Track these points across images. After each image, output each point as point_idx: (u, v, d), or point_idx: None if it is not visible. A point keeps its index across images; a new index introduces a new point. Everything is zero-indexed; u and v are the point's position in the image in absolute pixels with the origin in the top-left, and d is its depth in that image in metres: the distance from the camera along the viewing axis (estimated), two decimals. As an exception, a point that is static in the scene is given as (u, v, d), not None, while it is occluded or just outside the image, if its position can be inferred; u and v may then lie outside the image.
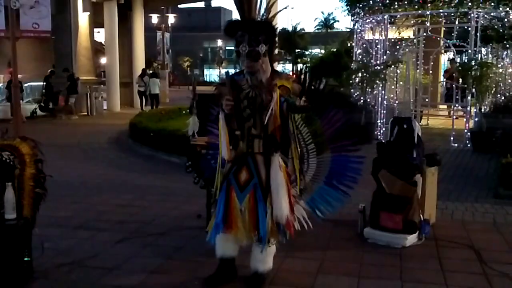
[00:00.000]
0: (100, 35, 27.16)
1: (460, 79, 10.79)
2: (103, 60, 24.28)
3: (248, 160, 3.37)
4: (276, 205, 3.28)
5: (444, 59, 18.61)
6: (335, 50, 21.19)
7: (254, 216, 3.36)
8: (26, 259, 3.69)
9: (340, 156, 3.79)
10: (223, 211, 3.38)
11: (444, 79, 15.81)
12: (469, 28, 10.96)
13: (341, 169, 3.78)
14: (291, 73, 4.01)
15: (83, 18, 19.48)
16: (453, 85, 12.06)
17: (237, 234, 3.41)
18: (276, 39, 3.40)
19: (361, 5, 12.91)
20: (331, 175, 3.78)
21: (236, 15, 3.46)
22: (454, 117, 11.39)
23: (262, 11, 3.31)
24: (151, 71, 25.12)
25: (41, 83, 18.22)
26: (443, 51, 16.52)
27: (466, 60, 11.10)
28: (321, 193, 3.81)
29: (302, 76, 3.64)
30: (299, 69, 4.33)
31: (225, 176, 3.42)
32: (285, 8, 4.48)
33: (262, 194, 3.33)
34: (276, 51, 3.50)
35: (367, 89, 11.75)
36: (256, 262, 3.51)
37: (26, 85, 18.45)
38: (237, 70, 3.56)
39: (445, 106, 16.71)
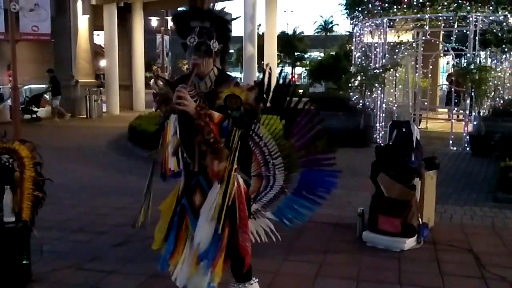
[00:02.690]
0: (99, 38, 27.21)
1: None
2: (103, 63, 24.30)
3: (200, 181, 2.78)
4: (198, 231, 2.71)
5: (443, 63, 18.66)
6: (334, 53, 21.27)
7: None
8: (24, 262, 3.69)
9: (312, 171, 3.15)
10: (174, 241, 2.87)
11: (447, 83, 15.84)
12: (468, 32, 11.00)
13: (313, 182, 3.16)
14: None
15: (83, 21, 19.50)
16: (452, 89, 12.09)
17: (177, 262, 2.86)
18: (229, 42, 2.84)
19: (360, 9, 12.94)
20: (301, 187, 3.17)
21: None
22: (453, 120, 11.42)
23: (218, 10, 2.83)
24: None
25: (41, 86, 18.15)
26: (442, 54, 16.56)
27: (465, 64, 11.13)
28: (288, 203, 3.19)
29: (266, 79, 3.01)
30: (264, 68, 3.18)
31: (178, 200, 2.93)
32: (237, 18, 3.45)
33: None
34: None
35: (366, 93, 11.77)
36: None
37: (25, 87, 18.42)
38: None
39: (444, 110, 16.74)
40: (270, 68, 3.07)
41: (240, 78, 18.37)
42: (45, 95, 18.09)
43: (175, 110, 2.61)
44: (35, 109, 17.37)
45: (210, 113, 2.58)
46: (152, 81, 21.09)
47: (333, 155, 3.12)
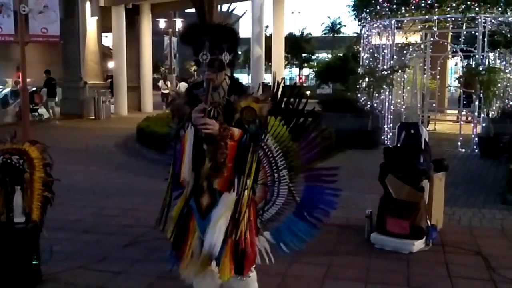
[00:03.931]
0: (108, 40, 27.29)
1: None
2: (111, 64, 24.44)
3: (209, 182, 2.77)
4: (209, 233, 2.72)
5: (452, 64, 18.57)
6: (342, 54, 21.26)
7: None
8: (34, 262, 3.72)
9: (314, 186, 3.23)
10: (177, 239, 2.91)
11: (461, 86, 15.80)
12: (477, 33, 10.94)
13: (314, 200, 3.23)
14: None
15: (91, 23, 19.62)
16: (461, 91, 12.05)
17: (187, 265, 2.87)
18: (238, 48, 2.87)
19: (368, 10, 12.93)
20: (302, 205, 3.23)
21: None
22: (462, 122, 11.37)
23: (225, 16, 2.81)
24: (176, 76, 27.93)
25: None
26: (450, 56, 16.49)
27: (473, 65, 11.09)
28: (288, 224, 3.25)
29: (279, 91, 3.11)
30: (277, 82, 3.28)
31: (186, 201, 2.91)
32: (244, 13, 3.44)
33: None
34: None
35: (374, 94, 11.75)
36: None
37: (34, 88, 18.51)
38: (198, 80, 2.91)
39: (453, 111, 16.67)
40: (283, 81, 3.18)
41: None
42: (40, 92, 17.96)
43: (201, 134, 2.63)
44: (36, 107, 17.31)
45: (232, 132, 2.64)
46: (160, 82, 21.20)
47: (336, 171, 3.19)
